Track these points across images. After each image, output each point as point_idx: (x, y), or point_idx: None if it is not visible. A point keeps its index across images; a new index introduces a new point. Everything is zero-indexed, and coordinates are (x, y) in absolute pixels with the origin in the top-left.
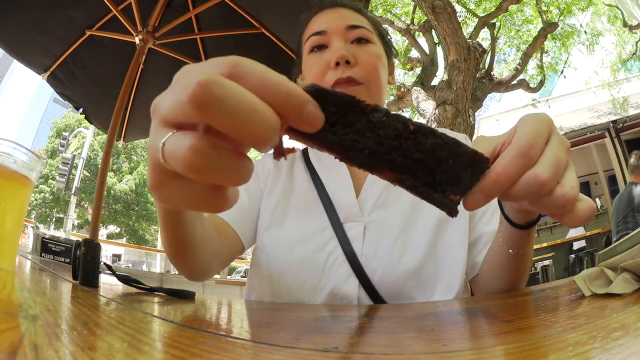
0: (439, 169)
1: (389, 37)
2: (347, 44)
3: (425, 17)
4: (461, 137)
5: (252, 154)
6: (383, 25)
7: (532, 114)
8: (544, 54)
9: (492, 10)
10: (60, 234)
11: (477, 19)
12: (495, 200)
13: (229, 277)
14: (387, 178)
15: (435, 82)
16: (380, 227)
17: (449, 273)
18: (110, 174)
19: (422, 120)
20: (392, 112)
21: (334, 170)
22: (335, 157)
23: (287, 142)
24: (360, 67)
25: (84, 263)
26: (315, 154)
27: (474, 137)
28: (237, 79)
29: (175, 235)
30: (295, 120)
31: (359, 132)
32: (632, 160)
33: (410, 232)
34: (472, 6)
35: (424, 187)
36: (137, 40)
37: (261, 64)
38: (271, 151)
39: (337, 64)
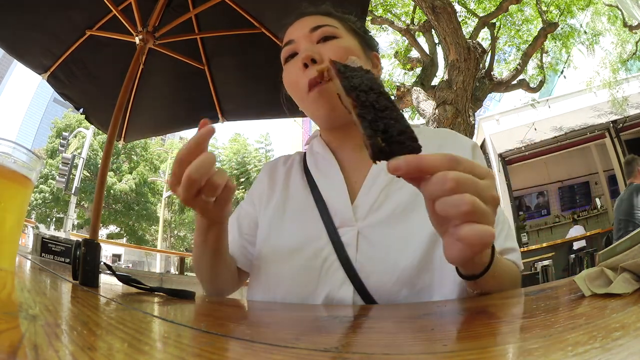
0: (383, 119)
1: (368, 33)
2: (312, 44)
3: (425, 17)
4: (469, 144)
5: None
6: (383, 25)
7: None
8: (544, 54)
9: (492, 10)
10: (60, 234)
11: (477, 19)
12: (505, 226)
13: None
14: (346, 101)
15: (435, 82)
16: (374, 232)
17: (445, 284)
18: (110, 173)
19: (422, 121)
20: (375, 79)
21: (329, 176)
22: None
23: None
24: (327, 62)
25: (84, 263)
26: (312, 161)
27: (474, 137)
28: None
29: (209, 254)
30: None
31: (356, 77)
32: (625, 164)
33: (406, 239)
34: (472, 6)
35: (368, 123)
36: (137, 40)
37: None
38: (270, 161)
39: (306, 65)
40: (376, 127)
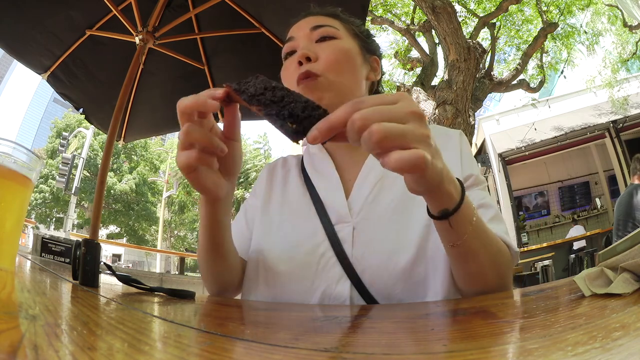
0: (286, 107)
1: (371, 37)
2: (311, 43)
3: (425, 17)
4: (456, 133)
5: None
6: (383, 25)
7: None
8: (544, 54)
9: (492, 10)
10: (60, 234)
11: (477, 19)
12: (491, 209)
13: None
14: (255, 110)
15: (435, 82)
16: (369, 227)
17: (438, 276)
18: (110, 173)
19: None
20: (265, 79)
21: (325, 175)
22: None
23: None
24: (320, 61)
25: (84, 263)
26: (309, 161)
27: (474, 137)
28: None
29: (210, 236)
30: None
31: (250, 86)
32: (633, 163)
33: (400, 232)
34: (472, 6)
35: (275, 117)
36: (137, 40)
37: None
38: (269, 163)
39: (300, 63)
40: (282, 116)
